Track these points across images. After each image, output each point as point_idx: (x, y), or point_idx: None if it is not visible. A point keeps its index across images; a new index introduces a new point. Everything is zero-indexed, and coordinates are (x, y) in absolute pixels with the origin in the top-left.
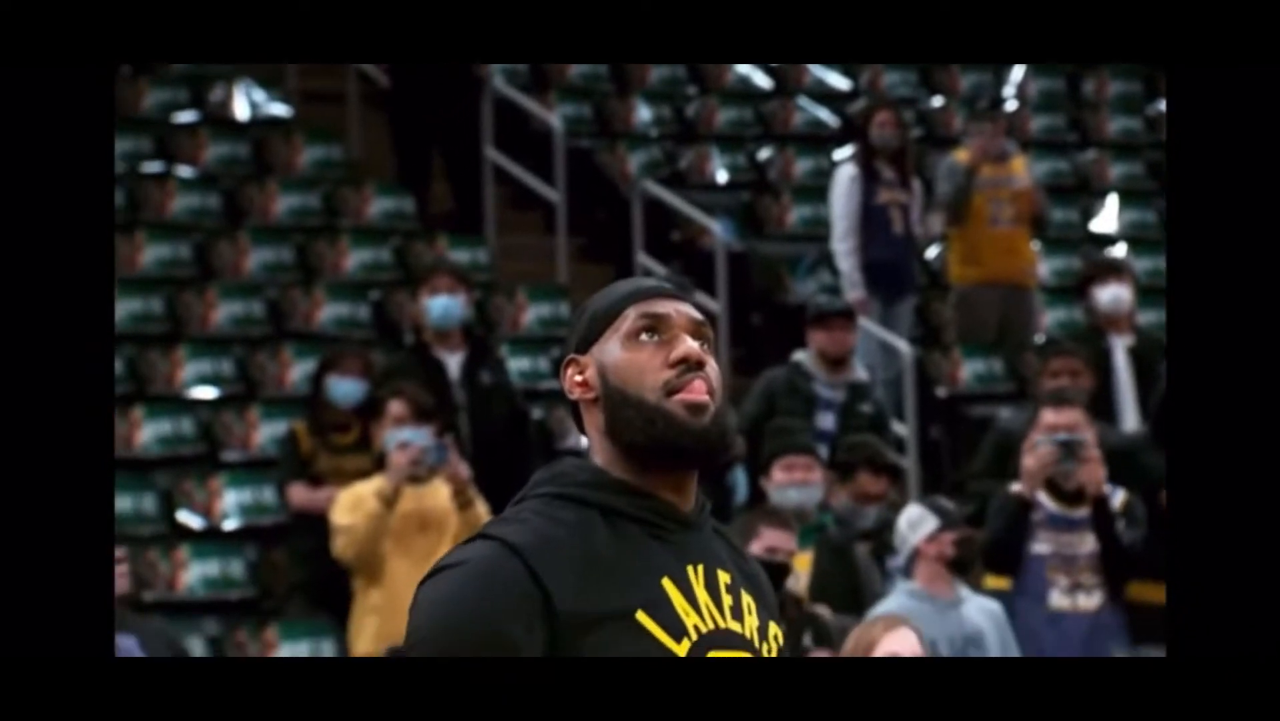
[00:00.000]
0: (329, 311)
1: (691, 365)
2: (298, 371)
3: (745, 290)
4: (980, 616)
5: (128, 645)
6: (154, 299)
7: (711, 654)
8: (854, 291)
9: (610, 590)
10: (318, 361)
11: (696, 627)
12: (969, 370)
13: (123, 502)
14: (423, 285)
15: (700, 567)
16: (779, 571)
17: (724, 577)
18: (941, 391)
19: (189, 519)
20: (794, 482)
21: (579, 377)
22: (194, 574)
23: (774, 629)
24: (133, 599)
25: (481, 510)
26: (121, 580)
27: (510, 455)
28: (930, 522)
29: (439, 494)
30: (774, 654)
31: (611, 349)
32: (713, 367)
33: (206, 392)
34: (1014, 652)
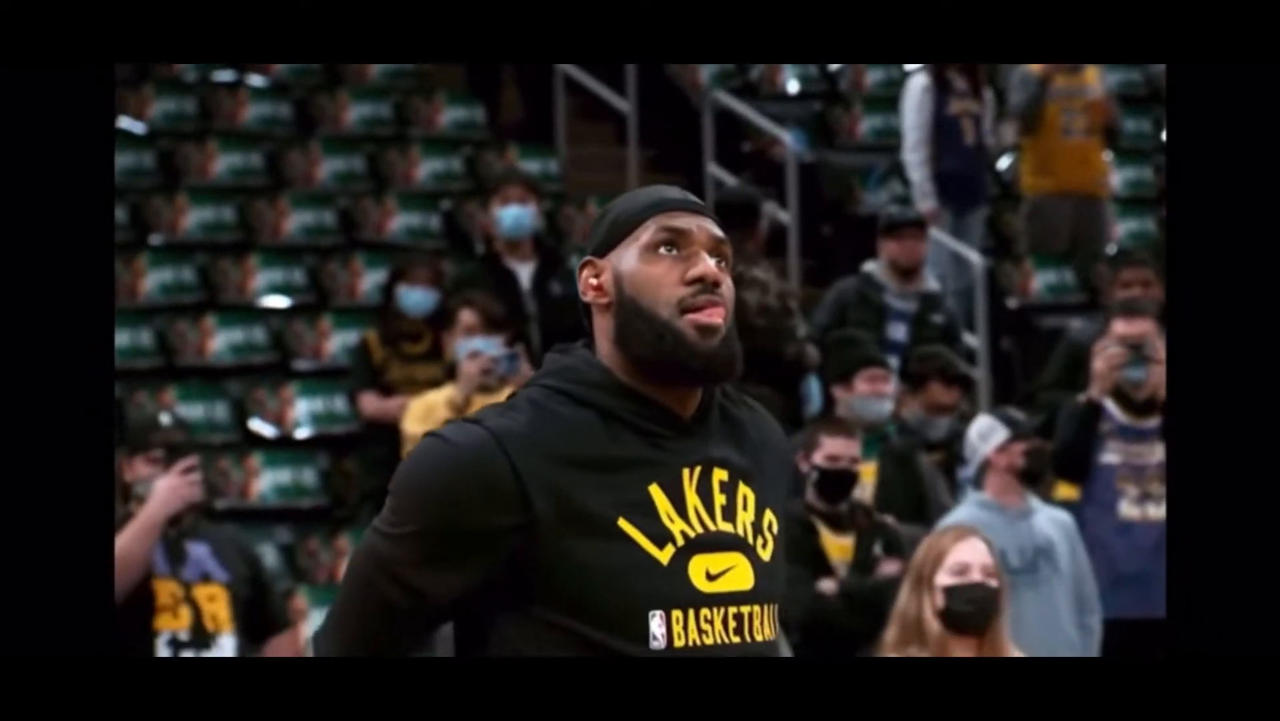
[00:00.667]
0: (400, 221)
1: (708, 285)
2: (369, 281)
3: (816, 201)
4: (1050, 527)
5: (199, 553)
6: (226, 208)
7: (696, 559)
8: (925, 202)
9: (595, 493)
10: (389, 271)
11: (684, 533)
12: (1040, 281)
13: (194, 411)
14: (494, 195)
15: (696, 470)
16: (843, 480)
17: (719, 475)
18: (1013, 302)
19: (261, 427)
20: (876, 394)
21: (594, 281)
22: (266, 482)
23: (769, 517)
24: (205, 507)
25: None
26: (194, 488)
27: None
28: (1000, 433)
29: None
30: (769, 548)
31: (629, 258)
32: (728, 287)
33: (278, 301)
34: (1084, 562)
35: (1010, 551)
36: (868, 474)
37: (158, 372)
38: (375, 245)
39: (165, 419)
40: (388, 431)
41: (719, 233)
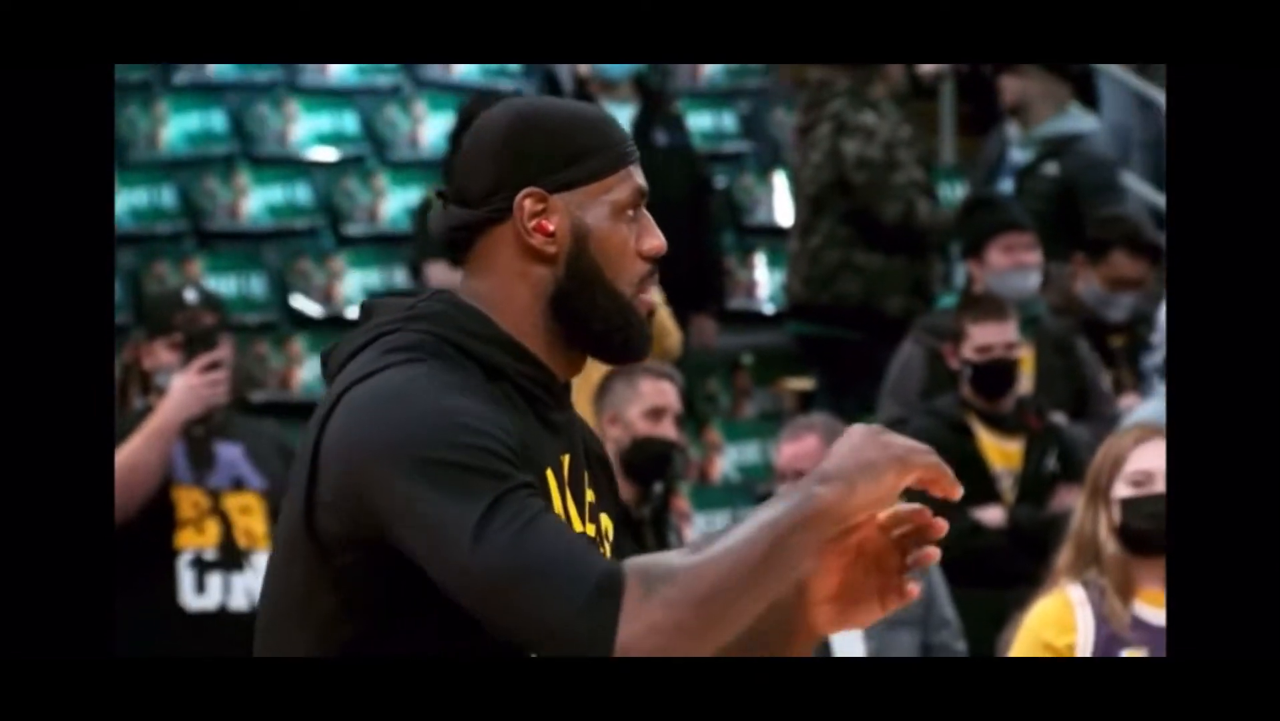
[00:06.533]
0: None
1: (656, 262)
2: (434, 128)
3: None
4: None
5: (230, 455)
6: None
7: None
8: None
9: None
10: (458, 116)
11: None
12: None
13: (227, 285)
14: None
15: (567, 459)
16: (1001, 373)
17: (585, 475)
18: None
19: (305, 305)
20: (1017, 266)
21: (550, 225)
22: (312, 370)
23: (606, 523)
24: (239, 400)
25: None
26: (216, 388)
27: (690, 232)
28: None
29: None
30: (606, 555)
31: (599, 214)
32: None
33: (325, 153)
34: None
35: None
36: (1024, 365)
37: (181, 238)
38: (442, 86)
39: (190, 295)
40: None
41: None
